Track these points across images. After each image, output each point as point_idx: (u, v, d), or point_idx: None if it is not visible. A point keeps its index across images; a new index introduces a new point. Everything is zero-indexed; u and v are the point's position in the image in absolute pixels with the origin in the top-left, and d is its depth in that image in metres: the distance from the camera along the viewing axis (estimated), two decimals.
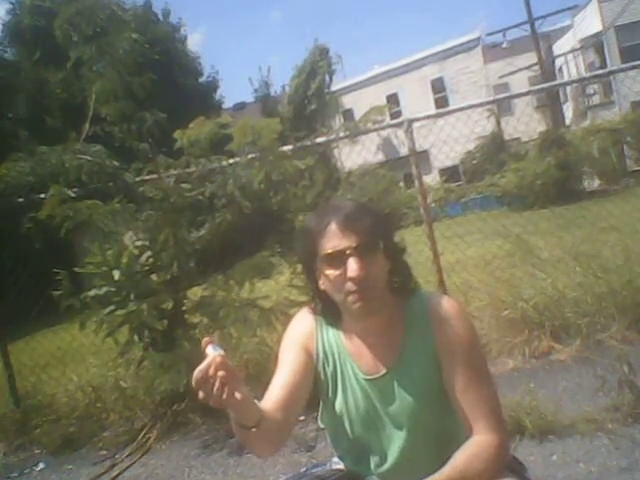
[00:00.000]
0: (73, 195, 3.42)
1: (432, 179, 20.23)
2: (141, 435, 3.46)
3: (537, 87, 5.95)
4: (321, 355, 1.29)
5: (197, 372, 1.01)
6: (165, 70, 16.46)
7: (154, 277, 3.51)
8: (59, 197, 3.37)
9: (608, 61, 19.71)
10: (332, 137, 4.07)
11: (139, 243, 3.55)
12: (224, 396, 1.01)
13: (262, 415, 1.10)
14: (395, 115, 19.30)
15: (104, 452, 3.45)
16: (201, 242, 3.68)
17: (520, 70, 22.00)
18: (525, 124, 17.34)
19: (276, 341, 3.48)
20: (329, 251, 1.16)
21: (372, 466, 1.28)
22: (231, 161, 3.66)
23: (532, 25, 19.18)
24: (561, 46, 24.23)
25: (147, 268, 3.52)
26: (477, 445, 1.14)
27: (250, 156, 3.60)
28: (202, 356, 1.04)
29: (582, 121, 21.08)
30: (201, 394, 1.03)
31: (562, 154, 14.95)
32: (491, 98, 4.99)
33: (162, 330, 3.37)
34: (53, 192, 3.38)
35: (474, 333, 1.26)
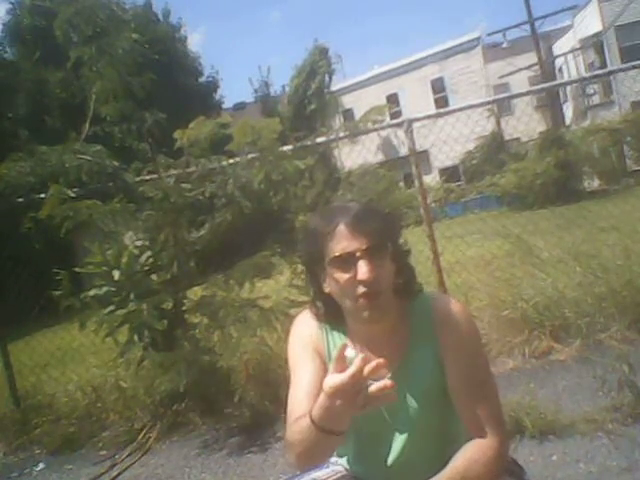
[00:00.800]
0: (73, 195, 3.42)
1: (432, 179, 20.24)
2: (141, 435, 3.46)
3: (537, 87, 5.95)
4: (327, 358, 1.29)
5: (347, 378, 0.89)
6: (165, 70, 16.45)
7: (154, 277, 3.51)
8: (59, 197, 3.37)
9: (608, 61, 19.71)
10: (332, 137, 4.06)
11: (139, 243, 3.55)
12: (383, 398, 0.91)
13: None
14: (395, 115, 19.30)
15: (104, 452, 3.45)
16: (201, 242, 3.68)
17: (520, 70, 22.01)
18: (525, 124, 17.38)
19: (276, 341, 3.48)
20: (338, 253, 1.14)
21: (373, 467, 1.28)
22: (231, 161, 3.65)
23: (532, 25, 19.18)
24: (561, 46, 24.24)
25: (147, 268, 3.51)
26: (477, 449, 1.14)
27: (250, 156, 3.60)
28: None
29: (582, 121, 21.08)
30: (340, 402, 0.91)
31: (562, 154, 14.95)
32: (491, 98, 4.99)
33: (162, 330, 3.37)
34: (53, 192, 3.37)
35: (478, 336, 1.26)
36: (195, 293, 3.71)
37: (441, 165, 21.26)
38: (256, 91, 25.87)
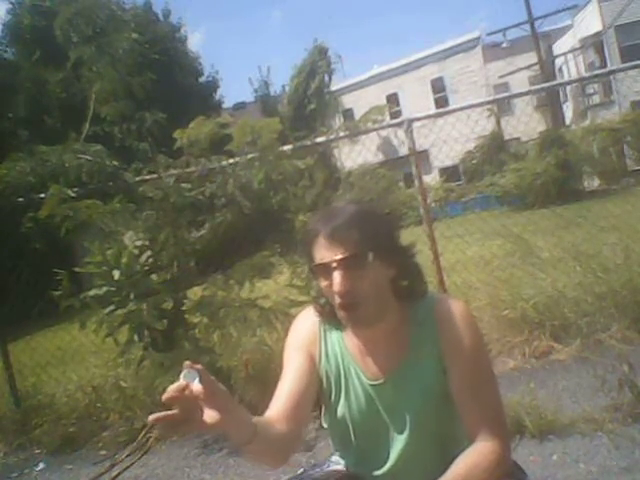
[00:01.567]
0: (73, 195, 3.42)
1: (432, 179, 20.27)
2: (141, 435, 3.46)
3: (537, 87, 5.93)
4: (323, 358, 1.28)
5: (170, 393, 0.95)
6: (165, 70, 16.46)
7: (154, 277, 3.51)
8: (59, 197, 3.36)
9: (608, 61, 19.71)
10: (332, 137, 4.06)
11: (139, 243, 3.55)
12: (213, 419, 0.95)
13: (255, 429, 1.05)
14: (395, 115, 19.32)
15: (104, 452, 3.45)
16: (201, 242, 3.68)
17: (520, 70, 22.01)
18: (525, 124, 17.37)
19: (276, 341, 3.48)
20: (317, 262, 1.15)
21: (374, 469, 1.27)
22: (231, 161, 3.65)
23: (532, 25, 19.17)
24: (561, 46, 24.23)
25: (147, 268, 3.51)
26: (479, 453, 1.12)
27: (250, 156, 3.59)
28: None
29: (582, 121, 21.07)
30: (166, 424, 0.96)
31: (562, 154, 14.95)
32: (491, 98, 4.98)
33: (162, 330, 3.37)
34: (53, 192, 3.37)
35: (481, 338, 1.24)
36: (195, 293, 3.70)
37: (441, 165, 21.27)
38: (256, 91, 25.89)
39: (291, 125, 20.06)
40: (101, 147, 3.65)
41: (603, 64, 19.77)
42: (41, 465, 3.50)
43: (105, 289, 3.43)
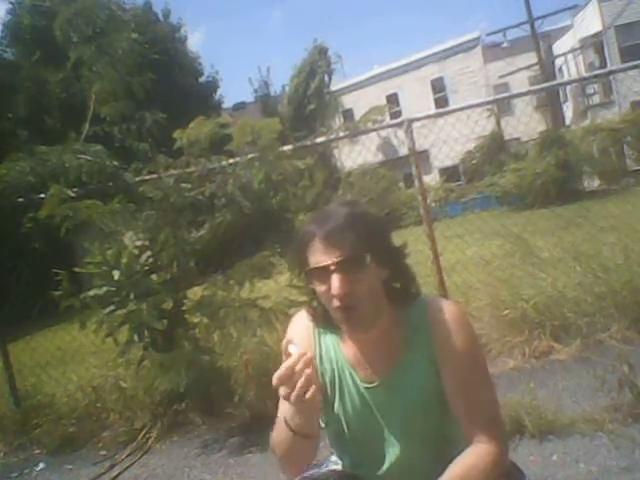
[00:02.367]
0: (73, 195, 3.42)
1: (432, 179, 20.25)
2: (141, 435, 3.46)
3: (537, 87, 5.94)
4: (318, 360, 1.28)
5: (284, 368, 1.02)
6: (165, 70, 16.46)
7: (154, 277, 3.51)
8: (59, 197, 3.36)
9: (608, 61, 19.70)
10: (332, 137, 4.06)
11: (139, 243, 3.55)
12: (308, 394, 1.01)
13: (319, 426, 1.11)
14: (395, 115, 19.30)
15: (104, 452, 3.45)
16: (201, 242, 3.68)
17: (520, 70, 22.00)
18: (525, 124, 17.36)
19: (276, 341, 3.48)
20: (313, 266, 1.13)
21: (370, 471, 1.27)
22: (231, 161, 3.65)
23: (532, 25, 19.18)
24: (561, 46, 24.23)
25: (147, 268, 3.51)
26: (476, 455, 1.12)
27: (250, 156, 3.59)
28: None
29: (582, 121, 21.07)
30: (282, 391, 1.03)
31: (562, 154, 14.93)
32: (491, 98, 4.98)
33: (162, 330, 3.37)
34: (53, 192, 3.37)
35: (475, 340, 1.24)
36: (195, 293, 3.71)
37: (441, 165, 21.26)
38: (256, 91, 25.92)
39: (291, 125, 20.09)
40: (101, 147, 3.65)
41: (603, 64, 19.76)
42: (41, 465, 3.50)
43: (105, 289, 3.43)
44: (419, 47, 50.41)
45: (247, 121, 3.67)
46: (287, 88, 24.84)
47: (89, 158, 3.53)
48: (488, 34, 24.18)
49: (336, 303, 1.12)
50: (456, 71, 23.70)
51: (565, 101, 24.27)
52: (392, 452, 1.23)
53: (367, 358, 1.24)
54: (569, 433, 2.48)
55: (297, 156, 3.64)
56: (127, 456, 3.32)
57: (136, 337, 3.45)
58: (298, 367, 1.02)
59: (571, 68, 23.19)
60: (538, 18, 19.40)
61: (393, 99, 24.50)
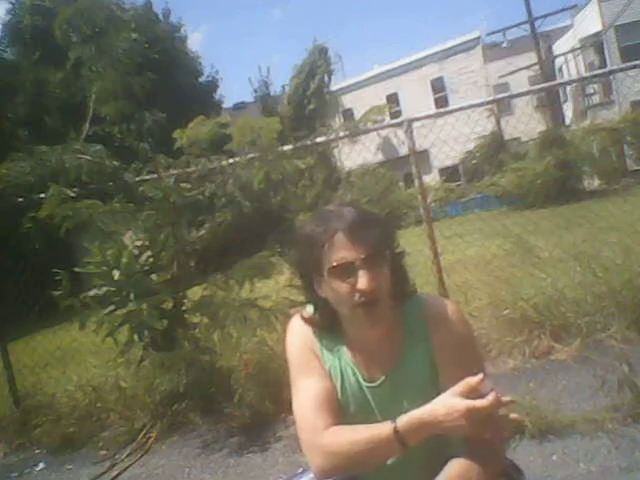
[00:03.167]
0: (73, 195, 3.42)
1: (432, 179, 20.24)
2: (141, 435, 3.46)
3: (537, 87, 5.95)
4: (322, 358, 1.29)
5: (489, 406, 1.02)
6: (165, 70, 16.48)
7: (154, 277, 3.51)
8: (59, 197, 3.37)
9: (608, 61, 19.70)
10: (332, 137, 4.07)
11: (139, 243, 3.55)
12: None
13: None
14: (395, 115, 19.31)
15: (104, 452, 3.45)
16: (201, 242, 3.68)
17: (520, 70, 22.01)
18: (525, 124, 17.35)
19: (276, 341, 3.48)
20: (337, 263, 1.13)
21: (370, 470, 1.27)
22: (231, 161, 3.66)
23: (532, 25, 19.19)
24: (561, 46, 24.24)
25: (147, 268, 3.51)
26: (474, 452, 1.12)
27: (250, 156, 3.59)
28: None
29: (582, 121, 21.07)
30: (471, 425, 1.04)
31: (562, 154, 14.94)
32: (491, 98, 4.98)
33: (162, 330, 3.37)
34: (53, 192, 3.37)
35: (471, 336, 1.26)
36: (195, 293, 3.71)
37: (441, 165, 21.24)
38: (256, 91, 25.91)
39: (291, 125, 20.09)
40: (101, 147, 3.65)
41: (603, 64, 19.76)
42: (41, 465, 3.50)
43: (105, 289, 3.43)
44: (419, 47, 50.50)
45: (247, 121, 3.68)
46: (287, 88, 24.86)
47: (89, 158, 3.53)
48: (488, 34, 24.27)
49: (360, 299, 1.13)
50: (456, 71, 23.69)
51: (565, 101, 24.27)
52: None
53: (369, 357, 1.25)
54: (569, 433, 2.48)
55: (297, 156, 3.64)
56: (127, 456, 3.32)
57: (136, 337, 3.45)
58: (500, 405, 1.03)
59: (571, 68, 23.19)
60: (538, 18, 19.42)
61: (393, 99, 24.49)
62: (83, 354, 5.30)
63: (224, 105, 24.19)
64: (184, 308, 3.62)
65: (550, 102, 20.60)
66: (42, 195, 3.56)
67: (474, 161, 21.15)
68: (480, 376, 1.03)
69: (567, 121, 23.32)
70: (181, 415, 3.51)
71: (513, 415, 1.01)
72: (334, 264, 1.14)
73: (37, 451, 3.68)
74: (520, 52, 23.05)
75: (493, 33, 23.20)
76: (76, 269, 3.53)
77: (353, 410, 1.25)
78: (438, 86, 24.33)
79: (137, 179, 3.70)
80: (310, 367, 1.27)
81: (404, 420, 1.08)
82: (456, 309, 1.25)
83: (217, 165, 3.64)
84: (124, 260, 3.42)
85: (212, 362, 3.50)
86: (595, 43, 21.00)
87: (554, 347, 3.38)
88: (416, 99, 23.43)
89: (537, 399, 2.69)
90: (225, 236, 3.77)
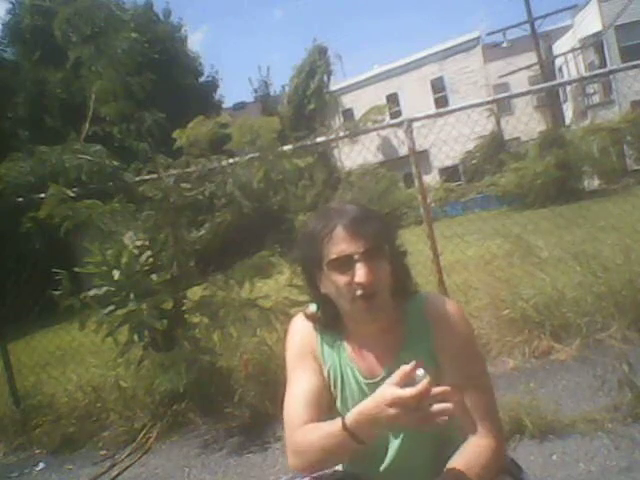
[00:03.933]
0: (73, 195, 3.42)
1: (432, 179, 20.26)
2: (141, 435, 3.46)
3: (537, 87, 5.95)
4: (322, 358, 1.30)
5: (415, 394, 0.96)
6: (165, 70, 16.48)
7: (154, 277, 3.51)
8: (59, 197, 3.36)
9: (608, 61, 19.70)
10: (332, 136, 4.07)
11: (139, 243, 3.55)
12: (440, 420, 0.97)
13: None
14: (395, 115, 19.31)
15: (104, 452, 3.45)
16: (201, 242, 3.68)
17: (520, 70, 22.01)
18: (525, 124, 17.38)
19: (276, 341, 3.48)
20: (336, 256, 1.15)
21: (370, 470, 1.28)
22: (231, 161, 3.65)
23: (532, 25, 19.18)
24: (561, 46, 24.24)
25: (147, 268, 3.51)
26: (474, 451, 1.14)
27: (249, 156, 3.59)
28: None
29: (582, 121, 21.08)
30: (392, 411, 0.99)
31: (562, 154, 14.95)
32: (491, 98, 4.98)
33: (162, 330, 3.37)
34: (53, 192, 3.37)
35: (472, 335, 1.26)
36: (195, 293, 3.71)
37: (441, 165, 21.26)
38: (256, 91, 25.96)
39: (291, 125, 20.11)
40: (101, 147, 3.65)
41: (603, 64, 19.76)
42: (41, 465, 3.50)
43: (105, 289, 3.43)
44: (419, 47, 50.53)
45: (246, 120, 3.67)
46: (287, 88, 24.88)
47: (89, 158, 3.52)
48: (488, 34, 24.28)
49: (358, 292, 1.14)
50: (456, 71, 23.69)
51: (565, 101, 24.28)
52: (392, 449, 1.24)
53: (368, 354, 1.26)
54: (569, 433, 2.48)
55: (297, 156, 3.64)
56: (127, 456, 3.32)
57: (136, 337, 3.44)
58: (431, 394, 0.97)
59: (571, 68, 23.18)
60: (538, 18, 19.41)
61: (393, 99, 24.49)
62: (83, 354, 5.30)
63: (224, 105, 24.20)
64: (184, 308, 3.62)
65: (550, 102, 20.60)
66: (42, 195, 3.56)
67: (474, 161, 21.17)
68: (413, 363, 1.00)
69: (567, 121, 23.32)
70: (181, 415, 3.51)
71: (445, 405, 0.95)
72: (333, 257, 1.15)
73: (37, 451, 3.68)
74: (520, 52, 23.05)
75: (493, 33, 23.20)
76: (76, 269, 3.52)
77: (352, 406, 1.25)
78: (438, 86, 24.33)
79: (137, 179, 3.70)
80: (304, 364, 1.28)
81: (351, 416, 1.07)
82: (458, 308, 1.26)
83: (217, 165, 3.63)
84: (124, 260, 3.42)
85: (212, 362, 3.50)
86: (595, 43, 21.00)
87: (554, 347, 3.38)
88: (416, 99, 23.43)
89: (537, 399, 2.69)
90: (225, 236, 3.77)
